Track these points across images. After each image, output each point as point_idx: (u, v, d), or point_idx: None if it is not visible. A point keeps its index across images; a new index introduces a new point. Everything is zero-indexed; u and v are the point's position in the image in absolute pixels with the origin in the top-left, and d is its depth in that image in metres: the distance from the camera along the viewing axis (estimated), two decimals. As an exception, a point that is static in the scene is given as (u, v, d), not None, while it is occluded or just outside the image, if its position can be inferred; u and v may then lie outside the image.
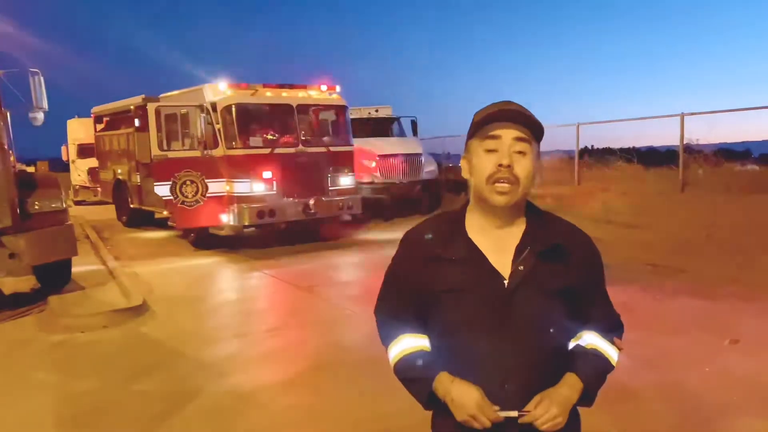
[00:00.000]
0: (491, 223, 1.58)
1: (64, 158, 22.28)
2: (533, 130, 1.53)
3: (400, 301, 1.69)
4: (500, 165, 1.49)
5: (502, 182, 1.49)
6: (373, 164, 13.55)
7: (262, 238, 11.36)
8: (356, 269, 9.47)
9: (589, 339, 1.63)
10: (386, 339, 1.71)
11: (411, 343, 1.64)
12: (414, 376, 1.60)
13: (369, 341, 5.70)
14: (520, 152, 1.51)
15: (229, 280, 8.63)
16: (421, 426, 1.82)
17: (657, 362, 4.73)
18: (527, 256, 1.52)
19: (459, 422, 1.52)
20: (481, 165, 1.53)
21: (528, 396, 1.50)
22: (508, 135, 1.51)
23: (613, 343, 1.65)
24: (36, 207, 6.90)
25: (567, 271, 1.56)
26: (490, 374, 1.51)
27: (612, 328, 1.68)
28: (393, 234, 11.12)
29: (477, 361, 1.52)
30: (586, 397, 1.57)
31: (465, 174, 1.62)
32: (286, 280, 8.33)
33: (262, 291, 8.02)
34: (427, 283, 1.58)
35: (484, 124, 1.53)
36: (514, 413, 1.48)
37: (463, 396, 1.48)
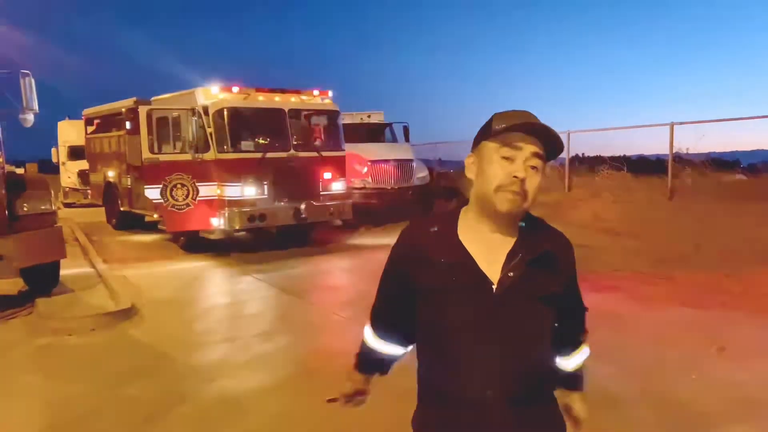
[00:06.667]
0: (486, 227, 1.56)
1: (54, 160, 22.14)
2: (550, 149, 1.52)
3: (391, 305, 1.75)
4: (515, 176, 1.47)
5: (511, 191, 1.48)
6: (365, 170, 13.54)
7: (253, 242, 11.34)
8: (346, 275, 9.46)
9: (577, 361, 1.82)
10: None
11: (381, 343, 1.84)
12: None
13: (357, 347, 5.71)
14: (533, 167, 1.49)
15: (218, 284, 8.60)
16: (407, 432, 1.82)
17: (644, 370, 4.75)
18: (518, 263, 1.52)
19: (440, 419, 1.56)
20: (493, 171, 1.50)
21: (508, 403, 1.49)
22: (528, 148, 1.48)
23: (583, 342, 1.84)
24: (24, 209, 6.86)
25: (554, 276, 1.57)
26: (473, 379, 1.51)
27: (583, 329, 1.84)
28: (383, 240, 11.12)
29: (461, 366, 1.52)
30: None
31: (469, 173, 1.58)
32: (275, 284, 8.31)
33: (252, 295, 8.00)
34: (416, 284, 1.58)
35: (509, 130, 1.49)
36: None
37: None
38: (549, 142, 1.51)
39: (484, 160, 1.53)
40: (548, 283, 1.55)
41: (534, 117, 1.52)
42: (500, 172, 1.48)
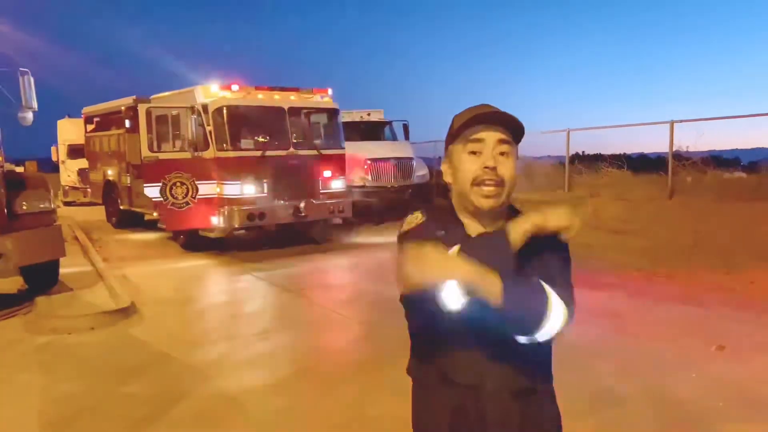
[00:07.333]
0: (471, 223, 1.58)
1: (54, 158, 22.14)
2: (514, 131, 1.54)
3: None
4: (486, 167, 1.49)
5: (488, 185, 1.49)
6: (364, 168, 13.56)
7: (252, 240, 11.34)
8: (346, 273, 9.46)
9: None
10: None
11: None
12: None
13: (357, 345, 5.72)
14: (502, 153, 1.51)
15: (218, 283, 8.60)
16: (405, 430, 1.82)
17: (644, 368, 4.75)
18: None
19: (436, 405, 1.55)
20: (464, 168, 1.53)
21: (501, 392, 1.51)
22: (491, 137, 1.51)
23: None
24: (24, 207, 6.86)
25: (540, 261, 1.54)
26: (468, 367, 1.52)
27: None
28: (383, 238, 11.13)
29: (456, 353, 1.53)
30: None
31: (447, 178, 1.61)
32: (275, 282, 8.31)
33: (251, 294, 8.00)
34: None
35: (466, 127, 1.53)
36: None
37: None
38: (510, 126, 1.52)
39: (456, 162, 1.56)
40: (534, 270, 1.53)
41: (489, 107, 1.54)
42: (471, 167, 1.51)
